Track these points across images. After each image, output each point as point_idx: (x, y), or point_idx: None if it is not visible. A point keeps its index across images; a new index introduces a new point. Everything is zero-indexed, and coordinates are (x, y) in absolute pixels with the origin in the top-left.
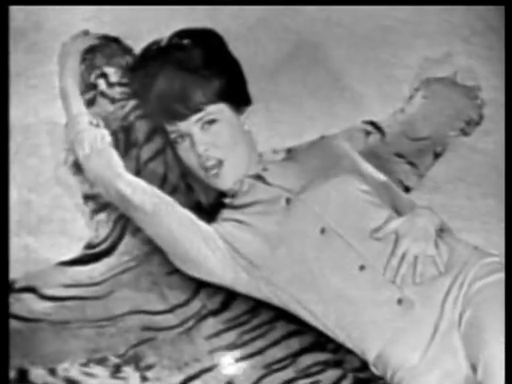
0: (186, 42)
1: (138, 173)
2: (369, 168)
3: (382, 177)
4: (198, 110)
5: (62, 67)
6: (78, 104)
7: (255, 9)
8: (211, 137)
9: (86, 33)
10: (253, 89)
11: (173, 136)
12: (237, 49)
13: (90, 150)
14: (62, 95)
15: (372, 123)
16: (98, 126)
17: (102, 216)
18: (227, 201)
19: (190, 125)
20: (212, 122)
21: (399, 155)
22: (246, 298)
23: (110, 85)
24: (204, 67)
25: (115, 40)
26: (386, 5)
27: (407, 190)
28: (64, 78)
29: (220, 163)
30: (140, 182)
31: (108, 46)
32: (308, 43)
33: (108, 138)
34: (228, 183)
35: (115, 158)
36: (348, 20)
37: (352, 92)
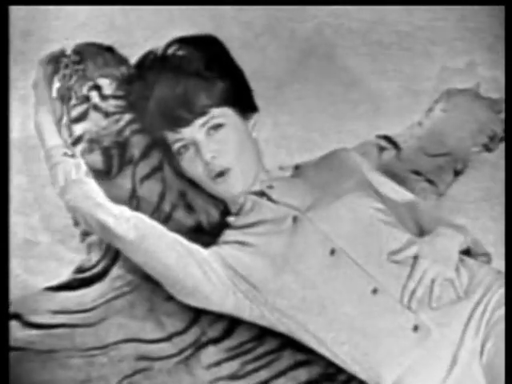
0: (184, 48)
1: (133, 191)
2: (386, 183)
3: (406, 193)
4: (202, 113)
5: (36, 99)
6: (51, 136)
7: (261, 14)
8: (218, 143)
9: (62, 52)
10: (259, 101)
11: (176, 146)
12: (241, 57)
13: (64, 182)
14: (37, 129)
15: (387, 138)
16: (72, 156)
17: (94, 238)
18: (231, 220)
19: (195, 131)
20: (218, 126)
21: (416, 172)
22: (251, 324)
23: (104, 97)
24: (206, 69)
25: (109, 49)
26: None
27: None
28: (36, 109)
29: (228, 170)
30: (122, 210)
31: (101, 55)
32: (318, 51)
33: (84, 168)
34: (238, 188)
35: (93, 187)
36: (361, 26)
37: (366, 104)
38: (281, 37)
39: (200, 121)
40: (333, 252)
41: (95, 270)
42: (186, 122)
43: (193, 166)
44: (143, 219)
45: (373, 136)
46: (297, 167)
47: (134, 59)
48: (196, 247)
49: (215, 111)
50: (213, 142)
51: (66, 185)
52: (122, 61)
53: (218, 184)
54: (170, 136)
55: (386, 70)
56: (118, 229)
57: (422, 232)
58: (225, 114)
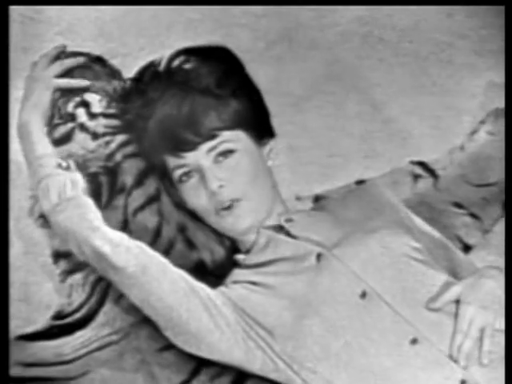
0: (191, 61)
1: (124, 225)
2: (418, 221)
3: (434, 233)
4: (211, 136)
5: (26, 96)
6: (43, 143)
7: (275, 19)
8: (227, 171)
9: (62, 49)
10: (273, 121)
11: (177, 173)
12: (253, 71)
13: (58, 199)
14: (23, 132)
15: (422, 164)
16: (68, 168)
17: (77, 278)
18: (240, 257)
19: (201, 156)
20: (228, 152)
21: (458, 205)
22: (262, 379)
23: (92, 116)
24: (217, 86)
25: (99, 59)
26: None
27: (467, 248)
28: (27, 110)
29: (236, 202)
30: (122, 238)
31: (90, 67)
32: (342, 63)
33: (81, 184)
34: (246, 222)
35: (91, 208)
36: (392, 34)
37: (397, 125)
38: (298, 46)
39: (207, 145)
40: (363, 294)
41: (77, 316)
42: (192, 146)
43: (195, 196)
44: (145, 249)
45: (406, 162)
46: (317, 198)
47: (127, 71)
48: (202, 286)
49: (226, 135)
50: (221, 170)
51: (60, 202)
52: (114, 73)
53: (223, 217)
54: (171, 161)
55: (423, 84)
56: (116, 258)
57: (455, 273)
58: (237, 139)
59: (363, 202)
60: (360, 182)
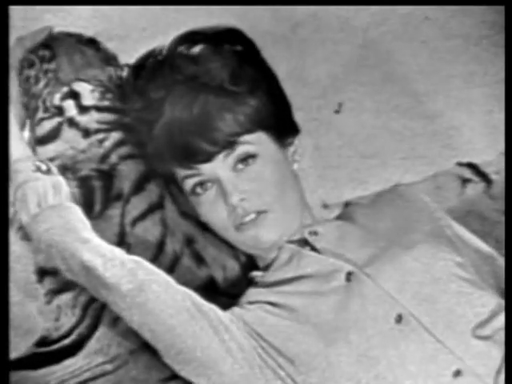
0: (198, 48)
1: (121, 238)
2: (464, 233)
3: (484, 247)
4: (228, 144)
5: None
6: (18, 145)
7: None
8: (249, 181)
9: (49, 31)
10: (296, 117)
11: (190, 184)
12: (273, 57)
13: (38, 208)
14: None
15: (472, 166)
16: (48, 172)
17: (66, 298)
18: (257, 275)
19: (217, 166)
20: (249, 158)
21: None
22: None
23: (83, 109)
24: (232, 82)
25: (92, 42)
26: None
27: None
28: None
29: (262, 213)
30: (116, 251)
31: (80, 51)
32: (378, 48)
33: (66, 189)
34: (271, 236)
35: (78, 216)
36: (438, 13)
37: (443, 121)
38: (327, 28)
39: (225, 153)
40: (399, 319)
41: (66, 342)
42: (207, 157)
43: (213, 211)
44: (143, 264)
45: (453, 164)
46: (346, 205)
47: (125, 57)
48: (211, 306)
49: (245, 139)
50: (242, 180)
51: (40, 212)
52: (110, 59)
53: (244, 231)
54: (181, 171)
55: (473, 73)
56: (108, 275)
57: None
58: (258, 142)
59: (399, 211)
60: (395, 188)
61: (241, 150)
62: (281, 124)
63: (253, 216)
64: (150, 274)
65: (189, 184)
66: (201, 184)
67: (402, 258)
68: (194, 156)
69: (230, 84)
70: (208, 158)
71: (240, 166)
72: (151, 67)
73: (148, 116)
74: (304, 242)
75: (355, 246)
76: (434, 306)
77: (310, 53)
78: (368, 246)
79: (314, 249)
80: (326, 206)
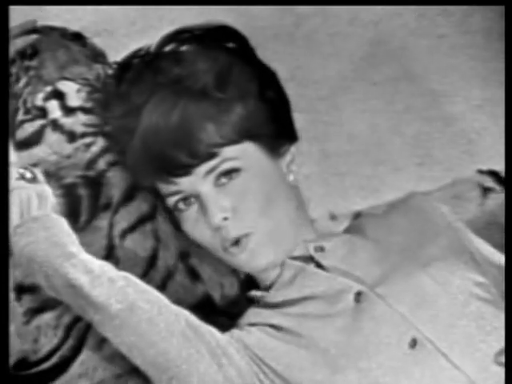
0: (185, 48)
1: (109, 251)
2: (485, 248)
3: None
4: (208, 156)
5: None
6: None
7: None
8: (232, 197)
9: (33, 24)
10: (300, 117)
11: (172, 201)
12: (274, 56)
13: (20, 219)
14: None
15: (494, 174)
16: (34, 180)
17: (47, 318)
18: (257, 294)
19: (197, 181)
20: (232, 172)
21: None
22: None
23: (68, 111)
24: (217, 87)
25: (77, 37)
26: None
27: None
28: None
29: (247, 236)
30: (105, 267)
31: (65, 46)
32: (391, 44)
33: (52, 200)
34: (262, 259)
35: (63, 229)
36: (458, 6)
37: (462, 124)
38: (335, 21)
39: (205, 167)
40: (414, 343)
41: (46, 365)
42: (185, 171)
43: (197, 230)
44: (134, 282)
45: (473, 171)
46: (357, 216)
47: (113, 53)
48: (208, 328)
49: (229, 151)
50: (224, 196)
51: (23, 223)
52: (97, 55)
53: (234, 255)
54: (162, 187)
55: (495, 71)
56: (96, 293)
57: None
58: (242, 154)
59: (413, 224)
60: (410, 197)
61: (224, 165)
62: (274, 132)
63: (237, 238)
64: (142, 293)
65: (171, 201)
66: (184, 199)
67: (416, 276)
68: (170, 169)
69: (214, 89)
70: (186, 171)
71: (223, 179)
72: (135, 69)
73: (129, 123)
74: (309, 259)
75: (365, 263)
76: (452, 329)
77: (315, 49)
78: (379, 263)
79: (319, 266)
80: (333, 218)
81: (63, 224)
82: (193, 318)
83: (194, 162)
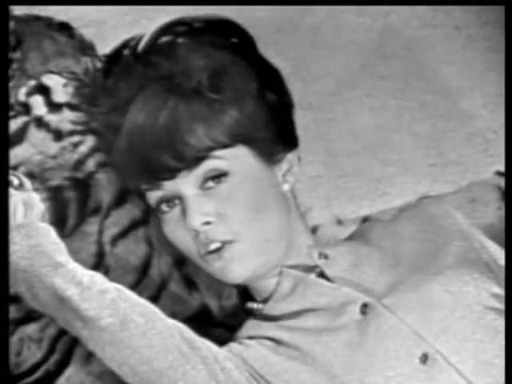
0: (180, 42)
1: (99, 258)
2: (501, 255)
3: None
4: (196, 160)
5: None
6: None
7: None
8: (217, 201)
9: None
10: (302, 116)
11: (154, 200)
12: (277, 49)
13: None
14: None
15: None
16: (21, 187)
17: (30, 330)
18: (255, 307)
19: (182, 183)
20: (220, 177)
21: None
22: None
23: (54, 107)
24: (210, 86)
25: (64, 27)
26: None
27: None
28: None
29: (228, 243)
30: (95, 278)
31: (51, 37)
32: (401, 36)
33: (39, 207)
34: (240, 271)
35: (50, 237)
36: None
37: (479, 122)
38: (342, 12)
39: (191, 170)
40: (425, 358)
41: (29, 380)
42: (170, 175)
43: (176, 233)
44: (126, 293)
45: (490, 172)
46: (364, 220)
47: (103, 45)
48: (204, 341)
49: (218, 155)
50: (208, 201)
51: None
52: (85, 47)
53: (209, 262)
54: (146, 188)
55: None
56: (85, 306)
57: None
58: (232, 157)
59: (425, 231)
60: (421, 201)
61: (211, 167)
62: (271, 137)
63: (218, 245)
64: (135, 306)
65: (152, 199)
66: (167, 200)
67: (426, 287)
68: (155, 172)
69: (208, 89)
70: (172, 175)
71: (210, 183)
72: (125, 61)
73: (114, 120)
74: (311, 268)
75: (372, 273)
76: (465, 343)
77: (321, 42)
78: (387, 273)
79: (322, 275)
80: (339, 223)
81: (50, 232)
82: (189, 332)
83: (180, 166)
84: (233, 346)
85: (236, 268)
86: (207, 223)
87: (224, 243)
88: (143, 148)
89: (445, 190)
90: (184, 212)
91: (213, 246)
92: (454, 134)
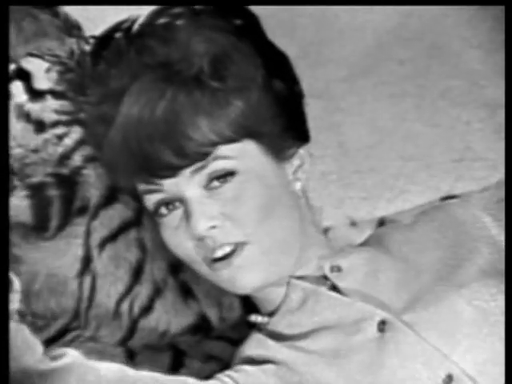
0: (178, 25)
1: (85, 263)
2: None
3: None
4: (199, 156)
5: None
6: None
7: None
8: (223, 203)
9: None
10: (312, 106)
11: (151, 202)
12: (284, 31)
13: None
14: None
15: None
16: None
17: None
18: (259, 320)
19: (184, 182)
20: (226, 176)
21: None
22: None
23: (36, 94)
24: (213, 73)
25: (47, 5)
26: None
27: None
28: None
29: (240, 247)
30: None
31: (32, 16)
32: (421, 17)
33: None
34: (251, 279)
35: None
36: None
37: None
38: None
39: (193, 167)
40: (449, 379)
41: None
42: (171, 172)
43: (176, 239)
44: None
45: None
46: (381, 223)
47: (91, 26)
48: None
49: (223, 151)
50: (214, 202)
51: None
52: (71, 28)
53: (217, 270)
54: (142, 188)
55: None
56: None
57: None
58: (239, 154)
59: (447, 237)
60: (444, 203)
61: (215, 165)
62: (280, 130)
63: (227, 250)
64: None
65: (150, 201)
66: (166, 203)
67: (450, 301)
68: (153, 169)
69: (209, 77)
70: (172, 173)
71: (215, 183)
72: (117, 46)
73: (106, 112)
74: (322, 279)
75: (390, 286)
76: (493, 363)
77: (332, 24)
78: (407, 286)
79: (334, 288)
80: (353, 224)
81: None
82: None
83: (181, 163)
84: (231, 375)
85: (246, 276)
86: (213, 227)
87: (237, 245)
88: (139, 143)
89: (470, 188)
90: (187, 216)
91: (220, 252)
92: (481, 125)
